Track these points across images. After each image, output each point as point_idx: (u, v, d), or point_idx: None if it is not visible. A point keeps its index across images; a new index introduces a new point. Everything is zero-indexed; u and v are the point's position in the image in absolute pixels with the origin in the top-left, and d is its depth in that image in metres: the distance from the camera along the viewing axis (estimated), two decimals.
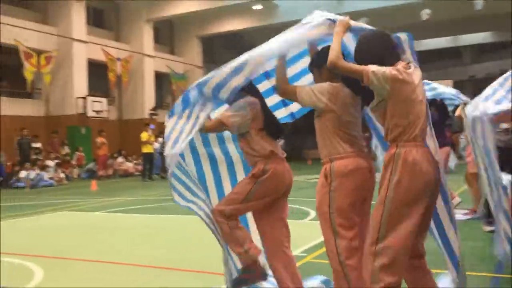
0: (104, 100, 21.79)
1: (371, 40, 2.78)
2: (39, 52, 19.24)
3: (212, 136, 3.50)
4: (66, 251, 5.70)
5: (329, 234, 2.82)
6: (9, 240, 6.52)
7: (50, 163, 16.72)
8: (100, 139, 18.12)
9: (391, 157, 2.66)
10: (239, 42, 31.21)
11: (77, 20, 21.02)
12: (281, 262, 3.23)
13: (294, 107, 3.63)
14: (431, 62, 30.89)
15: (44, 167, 16.17)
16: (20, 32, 18.82)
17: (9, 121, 18.53)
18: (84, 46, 21.29)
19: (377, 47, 2.74)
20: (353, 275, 2.74)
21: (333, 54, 2.72)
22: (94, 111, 20.89)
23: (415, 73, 2.74)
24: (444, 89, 5.57)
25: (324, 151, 2.91)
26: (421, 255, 2.82)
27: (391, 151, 2.68)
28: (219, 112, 3.37)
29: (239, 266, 3.35)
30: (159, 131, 18.70)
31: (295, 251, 5.26)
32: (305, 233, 6.06)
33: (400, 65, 2.71)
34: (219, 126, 3.20)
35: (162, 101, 28.39)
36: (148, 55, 24.81)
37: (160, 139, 17.79)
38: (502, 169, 4.07)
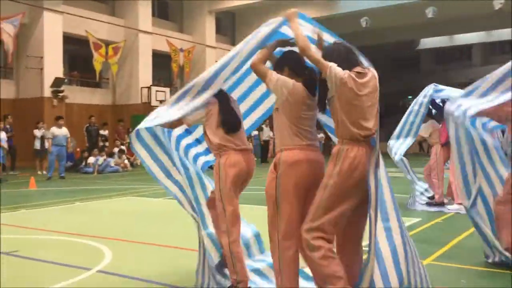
0: (167, 90, 22.36)
1: (336, 47, 3.19)
2: (107, 43, 20.01)
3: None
4: (133, 234, 5.92)
5: (273, 215, 3.15)
6: (79, 222, 6.87)
7: (116, 149, 17.41)
8: None
9: (337, 152, 3.02)
10: None
11: (144, 12, 21.66)
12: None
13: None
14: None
15: (110, 154, 16.87)
16: (91, 24, 19.63)
17: (79, 109, 19.46)
18: (149, 37, 21.91)
19: (342, 53, 3.13)
20: (286, 254, 3.09)
21: (303, 41, 3.10)
22: (157, 100, 21.50)
23: (368, 83, 3.03)
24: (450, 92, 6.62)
25: (278, 141, 3.25)
26: (357, 240, 3.18)
27: (337, 146, 3.06)
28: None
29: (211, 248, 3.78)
30: None
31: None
32: None
33: (356, 70, 3.04)
34: (178, 123, 3.62)
35: None
36: (210, 46, 25.15)
37: None
38: None
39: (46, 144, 14.50)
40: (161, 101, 21.57)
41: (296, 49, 3.25)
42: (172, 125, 3.64)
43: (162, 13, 25.09)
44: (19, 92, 18.57)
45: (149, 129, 3.63)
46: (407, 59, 36.49)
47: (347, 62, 3.08)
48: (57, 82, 18.05)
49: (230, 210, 3.50)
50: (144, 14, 21.69)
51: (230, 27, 29.18)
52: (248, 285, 3.50)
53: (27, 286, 3.92)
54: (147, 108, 21.44)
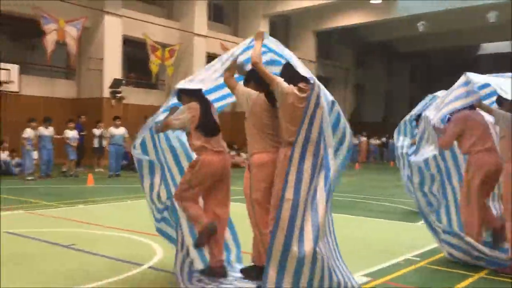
0: None
1: (286, 67, 3.78)
2: (163, 46, 20.55)
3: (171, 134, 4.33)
4: None
5: (250, 209, 3.80)
6: (132, 219, 7.09)
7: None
8: None
9: (284, 155, 3.53)
10: (355, 37, 30.64)
11: (199, 15, 22.09)
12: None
13: None
14: None
15: None
16: (148, 27, 20.23)
17: (135, 109, 20.07)
18: (204, 40, 22.32)
19: (288, 71, 3.70)
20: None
21: (256, 56, 3.64)
22: None
23: (307, 98, 3.50)
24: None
25: (249, 147, 3.83)
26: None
27: (284, 150, 3.57)
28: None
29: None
30: None
31: (408, 255, 5.07)
32: (419, 236, 5.82)
33: (299, 85, 3.57)
34: (166, 127, 4.04)
35: None
36: None
37: None
38: None
39: (104, 143, 15.07)
40: None
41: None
42: (161, 129, 4.08)
43: (217, 17, 25.49)
44: (80, 92, 19.40)
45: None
46: (466, 64, 35.21)
47: (293, 78, 3.61)
48: (116, 83, 18.72)
49: (188, 195, 3.96)
50: (199, 17, 22.12)
51: (283, 30, 29.25)
52: (224, 268, 4.05)
53: (82, 278, 4.10)
54: None
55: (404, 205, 8.96)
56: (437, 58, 36.32)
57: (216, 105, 4.39)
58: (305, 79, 3.60)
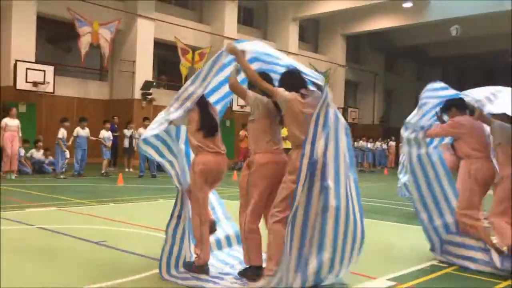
0: None
1: (285, 75, 4.06)
2: (194, 49, 20.82)
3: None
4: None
5: (243, 203, 4.16)
6: (161, 218, 7.21)
7: None
8: (242, 132, 19.03)
9: (295, 157, 3.78)
10: (385, 41, 30.34)
11: (230, 19, 22.29)
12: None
13: None
14: None
15: None
16: (179, 30, 20.54)
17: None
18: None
19: (288, 79, 3.99)
20: (254, 234, 4.01)
21: (252, 75, 3.98)
22: (238, 105, 21.99)
23: (310, 103, 3.86)
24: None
25: (253, 146, 4.09)
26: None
27: (293, 152, 3.88)
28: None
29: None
30: None
31: (435, 261, 5.03)
32: None
33: (301, 91, 3.90)
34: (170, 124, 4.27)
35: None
36: (292, 53, 25.31)
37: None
38: None
39: (134, 144, 15.36)
40: (242, 106, 22.07)
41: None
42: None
43: (247, 20, 25.65)
44: (112, 94, 19.84)
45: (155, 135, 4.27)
46: (498, 70, 34.43)
47: (293, 86, 3.92)
48: (147, 85, 19.08)
49: (200, 197, 4.19)
50: (229, 21, 22.32)
51: (313, 34, 29.19)
52: (207, 265, 4.20)
53: (111, 273, 4.23)
54: (228, 112, 22.01)
55: None
56: (469, 63, 35.62)
57: (218, 106, 4.68)
58: (305, 85, 3.97)
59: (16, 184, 11.09)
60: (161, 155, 4.34)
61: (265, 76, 4.11)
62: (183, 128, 4.51)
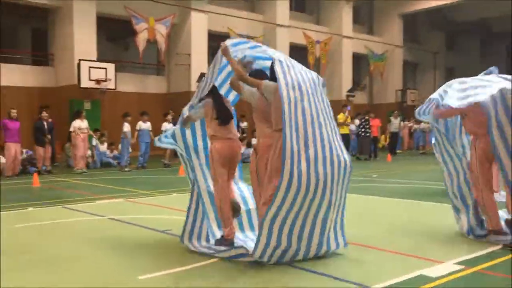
0: None
1: (271, 67, 4.47)
2: (246, 38, 20.87)
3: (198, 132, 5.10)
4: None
5: (255, 186, 4.60)
6: None
7: (254, 140, 18.20)
8: None
9: (277, 138, 4.19)
10: (444, 19, 29.11)
11: (281, 6, 22.19)
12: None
13: None
14: None
15: (248, 144, 17.66)
16: (232, 20, 20.69)
17: None
18: (287, 30, 22.38)
19: (273, 71, 4.35)
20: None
21: (238, 72, 4.45)
22: None
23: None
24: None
25: (258, 133, 4.52)
26: None
27: (276, 134, 4.23)
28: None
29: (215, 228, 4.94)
30: (356, 113, 18.75)
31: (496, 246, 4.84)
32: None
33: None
34: (188, 119, 4.86)
35: (359, 83, 28.24)
36: (347, 37, 24.86)
37: (356, 121, 17.81)
38: None
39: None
40: None
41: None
42: (185, 122, 4.89)
43: (299, 6, 25.41)
44: (169, 87, 20.34)
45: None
46: None
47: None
48: (202, 77, 19.33)
49: (220, 181, 4.65)
50: (281, 8, 22.21)
51: (367, 16, 28.49)
52: (233, 240, 4.66)
53: (178, 261, 4.39)
54: None
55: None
56: None
57: (230, 96, 5.18)
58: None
59: (85, 178, 11.67)
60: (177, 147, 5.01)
61: (261, 73, 4.60)
62: (198, 126, 5.06)
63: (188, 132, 5.01)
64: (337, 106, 24.19)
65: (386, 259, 4.44)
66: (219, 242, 4.71)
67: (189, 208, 4.91)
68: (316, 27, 24.57)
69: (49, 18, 17.86)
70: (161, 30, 18.18)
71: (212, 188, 4.86)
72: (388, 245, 4.85)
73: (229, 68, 4.88)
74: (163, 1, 18.62)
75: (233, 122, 4.80)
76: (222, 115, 4.68)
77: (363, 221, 6.17)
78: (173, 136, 4.97)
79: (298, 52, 23.51)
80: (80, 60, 16.17)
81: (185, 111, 4.89)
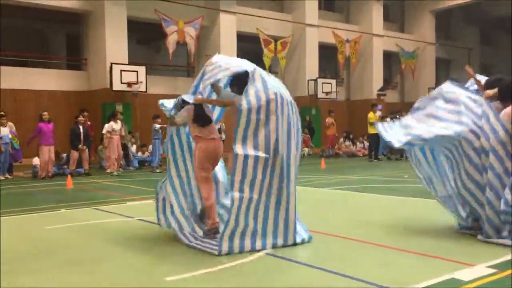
0: (333, 81, 22.47)
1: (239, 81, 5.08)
2: (276, 39, 20.87)
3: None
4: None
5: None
6: None
7: None
8: (329, 120, 18.83)
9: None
10: (479, 13, 28.33)
11: (310, 6, 22.07)
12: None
13: None
14: None
15: None
16: (261, 21, 20.70)
17: None
18: (316, 30, 22.25)
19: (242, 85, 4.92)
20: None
21: (217, 104, 5.49)
22: (323, 92, 21.76)
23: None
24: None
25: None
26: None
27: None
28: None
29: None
30: (389, 112, 18.47)
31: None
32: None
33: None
34: (172, 124, 5.36)
35: (390, 81, 27.80)
36: (377, 35, 24.53)
37: (388, 119, 17.51)
38: None
39: (223, 137, 15.75)
40: (327, 93, 21.80)
41: None
42: (169, 126, 5.43)
43: (329, 5, 25.23)
44: None
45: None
46: None
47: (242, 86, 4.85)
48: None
49: (204, 176, 5.17)
50: (310, 7, 22.09)
51: (399, 13, 28.05)
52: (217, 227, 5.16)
53: (203, 262, 4.40)
54: (314, 100, 21.87)
55: None
56: None
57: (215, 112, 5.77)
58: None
59: (117, 179, 11.88)
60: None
61: (238, 80, 5.06)
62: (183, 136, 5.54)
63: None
64: (367, 105, 23.95)
65: (415, 261, 4.34)
66: (207, 232, 5.20)
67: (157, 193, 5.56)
68: (346, 26, 24.33)
69: (82, 23, 18.28)
70: (191, 32, 18.35)
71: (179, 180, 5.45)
72: (417, 247, 4.75)
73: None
74: (192, 4, 18.79)
75: (214, 125, 5.38)
76: (200, 119, 5.22)
77: (391, 222, 6.06)
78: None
79: (327, 51, 23.34)
80: (112, 63, 16.48)
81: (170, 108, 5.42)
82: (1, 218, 6.77)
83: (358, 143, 20.36)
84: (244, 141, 4.62)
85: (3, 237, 5.56)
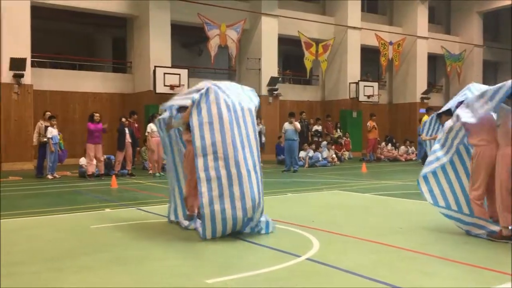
0: (375, 84, 22.15)
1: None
2: (317, 41, 20.77)
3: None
4: (338, 226, 6.12)
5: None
6: (291, 212, 7.37)
7: (325, 143, 18.00)
8: (370, 123, 18.55)
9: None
10: None
11: (353, 8, 21.84)
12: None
13: None
14: None
15: (319, 148, 17.51)
16: (302, 24, 20.65)
17: (291, 106, 20.68)
18: (358, 32, 22.00)
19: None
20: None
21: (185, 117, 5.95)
22: (365, 95, 21.47)
23: None
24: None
25: None
26: None
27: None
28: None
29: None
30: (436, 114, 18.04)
31: None
32: None
33: None
34: (169, 127, 6.45)
35: (435, 84, 27.15)
36: (421, 37, 24.01)
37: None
38: None
39: (263, 139, 15.76)
40: (368, 96, 21.51)
41: None
42: (166, 129, 6.50)
43: (371, 7, 24.91)
44: None
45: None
46: None
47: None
48: (273, 81, 19.50)
49: (190, 176, 6.03)
50: (353, 10, 21.86)
51: (445, 15, 27.36)
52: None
53: (245, 266, 4.43)
54: (355, 103, 21.61)
55: None
56: None
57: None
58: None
59: (160, 180, 12.11)
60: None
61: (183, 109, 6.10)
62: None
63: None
64: (411, 109, 23.49)
65: (461, 272, 4.21)
66: (187, 217, 6.26)
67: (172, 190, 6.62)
68: (389, 28, 23.93)
69: (128, 27, 18.76)
70: (232, 35, 18.51)
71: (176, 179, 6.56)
72: (464, 257, 4.61)
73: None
74: (234, 7, 18.95)
75: None
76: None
77: (436, 229, 5.91)
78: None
79: (370, 54, 23.03)
80: (155, 66, 16.83)
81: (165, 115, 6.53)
82: (52, 215, 7.05)
83: (403, 147, 19.93)
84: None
85: (53, 234, 5.80)
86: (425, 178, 5.89)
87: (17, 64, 14.83)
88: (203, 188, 5.45)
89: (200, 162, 5.50)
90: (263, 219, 5.80)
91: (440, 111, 6.63)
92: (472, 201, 5.55)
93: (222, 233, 5.47)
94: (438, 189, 5.84)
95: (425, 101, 23.42)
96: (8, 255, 4.79)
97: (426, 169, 5.91)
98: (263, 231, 5.74)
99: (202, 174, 5.47)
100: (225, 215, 5.41)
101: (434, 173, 5.83)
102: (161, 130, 6.71)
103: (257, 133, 5.89)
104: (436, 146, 5.87)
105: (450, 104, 6.30)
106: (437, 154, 5.82)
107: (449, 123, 5.73)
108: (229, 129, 5.55)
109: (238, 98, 5.85)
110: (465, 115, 5.38)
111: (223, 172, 5.46)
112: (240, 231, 5.62)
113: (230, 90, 5.90)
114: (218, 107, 5.61)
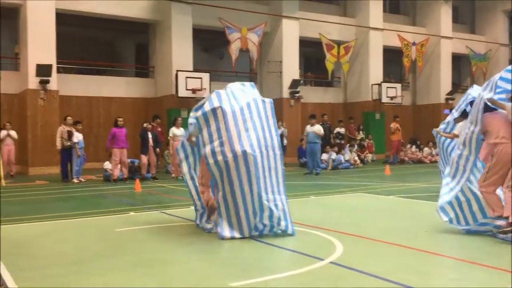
0: (398, 85, 21.90)
1: None
2: (338, 43, 20.66)
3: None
4: (362, 229, 6.05)
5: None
6: (313, 215, 7.33)
7: (347, 146, 17.85)
8: (394, 125, 18.33)
9: None
10: None
11: (375, 9, 21.65)
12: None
13: None
14: None
15: (342, 151, 17.39)
16: (323, 26, 20.56)
17: (312, 108, 20.59)
18: (380, 33, 21.80)
19: None
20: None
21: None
22: (388, 97, 21.24)
23: None
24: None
25: None
26: None
27: None
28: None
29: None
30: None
31: None
32: None
33: None
34: (190, 137, 6.71)
35: (460, 85, 26.69)
36: (445, 37, 23.66)
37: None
38: None
39: (285, 142, 15.74)
40: (391, 97, 21.27)
41: None
42: (188, 140, 6.74)
43: (393, 8, 24.67)
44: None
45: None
46: None
47: None
48: (294, 84, 19.46)
49: (200, 179, 6.43)
50: (375, 11, 21.67)
51: (469, 15, 26.92)
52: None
53: (268, 269, 4.41)
54: (378, 105, 21.40)
55: None
56: None
57: None
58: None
59: (182, 183, 12.15)
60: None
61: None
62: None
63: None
64: (435, 110, 23.11)
65: (489, 277, 4.12)
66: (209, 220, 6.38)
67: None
68: (412, 28, 23.65)
69: (150, 32, 18.97)
70: (253, 39, 18.55)
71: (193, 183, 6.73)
72: (492, 261, 4.51)
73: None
74: (255, 11, 18.99)
75: None
76: None
77: (463, 233, 5.80)
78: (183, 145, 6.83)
79: (392, 55, 22.79)
80: (177, 71, 16.97)
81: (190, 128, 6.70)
82: (78, 219, 7.16)
83: (426, 148, 19.61)
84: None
85: (78, 237, 5.90)
86: (442, 209, 5.92)
87: (43, 71, 15.15)
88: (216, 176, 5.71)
89: (207, 148, 5.75)
90: (283, 222, 5.77)
91: (456, 115, 7.34)
92: (485, 194, 5.52)
93: (239, 229, 5.62)
94: (460, 213, 5.85)
95: (450, 101, 23.06)
96: (35, 259, 4.88)
97: (442, 200, 5.94)
98: (289, 230, 5.77)
99: (210, 160, 5.68)
100: (236, 201, 5.63)
101: (450, 203, 5.84)
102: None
103: (272, 124, 6.43)
104: (448, 179, 5.95)
105: (461, 107, 6.95)
106: (449, 186, 5.91)
107: (461, 124, 6.11)
108: (233, 123, 5.87)
109: (245, 99, 6.55)
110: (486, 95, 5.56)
111: (229, 156, 5.61)
112: (259, 231, 5.71)
113: (237, 93, 6.60)
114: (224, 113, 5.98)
